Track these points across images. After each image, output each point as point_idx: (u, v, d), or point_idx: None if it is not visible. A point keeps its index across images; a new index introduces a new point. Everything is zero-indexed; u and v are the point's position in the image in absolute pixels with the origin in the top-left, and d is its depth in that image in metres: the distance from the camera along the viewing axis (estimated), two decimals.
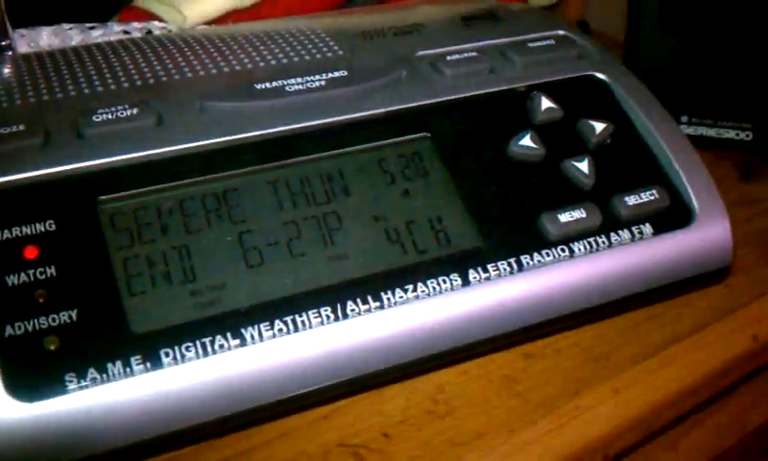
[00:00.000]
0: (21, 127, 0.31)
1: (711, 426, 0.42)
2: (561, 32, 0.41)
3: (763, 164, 0.49)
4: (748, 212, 0.44)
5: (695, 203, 0.34)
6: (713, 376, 0.35)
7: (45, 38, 0.43)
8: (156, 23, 0.44)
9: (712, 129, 0.50)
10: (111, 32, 0.43)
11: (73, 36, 0.43)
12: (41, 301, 0.27)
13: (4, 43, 0.40)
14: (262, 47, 0.38)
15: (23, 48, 0.42)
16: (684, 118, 0.50)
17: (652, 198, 0.34)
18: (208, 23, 0.45)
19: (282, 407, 0.29)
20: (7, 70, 0.36)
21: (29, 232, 0.28)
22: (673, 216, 0.34)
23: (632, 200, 0.33)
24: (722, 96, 0.49)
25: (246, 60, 0.37)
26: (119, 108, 0.32)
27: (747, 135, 0.50)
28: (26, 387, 0.26)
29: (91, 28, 0.43)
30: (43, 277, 0.28)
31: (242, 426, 0.30)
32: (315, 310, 0.29)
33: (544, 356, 0.35)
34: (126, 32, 0.43)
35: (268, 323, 0.28)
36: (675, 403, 0.34)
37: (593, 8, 0.74)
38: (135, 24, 0.43)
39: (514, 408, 0.33)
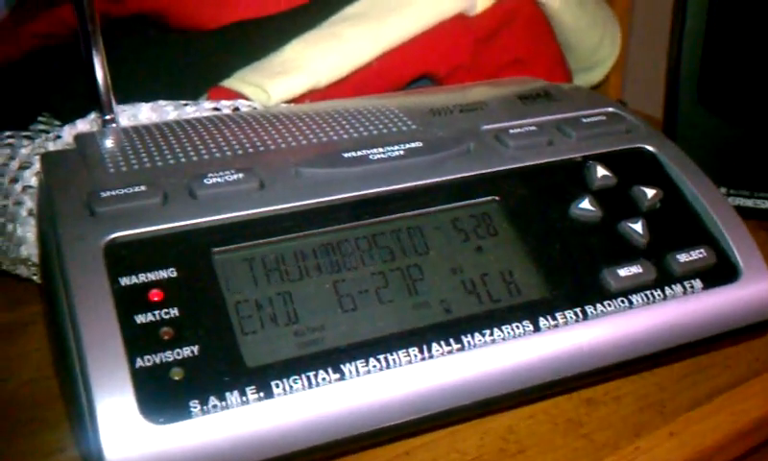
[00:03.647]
0: (142, 188, 0.35)
1: None
2: (610, 109, 0.45)
3: None
4: None
5: (740, 261, 0.37)
6: (760, 422, 0.38)
7: (144, 113, 0.47)
8: (243, 101, 0.48)
9: (749, 199, 0.53)
10: (203, 109, 0.48)
11: (169, 111, 0.47)
12: (166, 337, 0.31)
13: (108, 117, 0.44)
14: (345, 122, 0.42)
15: (124, 122, 0.47)
16: (723, 190, 0.53)
17: (701, 256, 0.37)
18: (289, 102, 0.50)
19: (375, 438, 0.32)
20: (118, 140, 0.41)
21: (154, 278, 0.32)
22: (720, 273, 0.37)
23: (683, 257, 0.37)
24: (758, 168, 0.53)
25: (332, 133, 0.41)
26: (226, 173, 0.36)
27: None
28: (157, 411, 0.29)
29: (185, 105, 0.48)
30: (168, 316, 0.31)
31: (337, 455, 0.33)
32: (404, 350, 0.32)
33: (605, 403, 0.38)
34: (216, 109, 0.48)
35: (364, 360, 0.32)
36: (725, 447, 0.37)
37: (630, 88, 0.79)
38: (224, 102, 0.48)
39: (580, 448, 0.36)
